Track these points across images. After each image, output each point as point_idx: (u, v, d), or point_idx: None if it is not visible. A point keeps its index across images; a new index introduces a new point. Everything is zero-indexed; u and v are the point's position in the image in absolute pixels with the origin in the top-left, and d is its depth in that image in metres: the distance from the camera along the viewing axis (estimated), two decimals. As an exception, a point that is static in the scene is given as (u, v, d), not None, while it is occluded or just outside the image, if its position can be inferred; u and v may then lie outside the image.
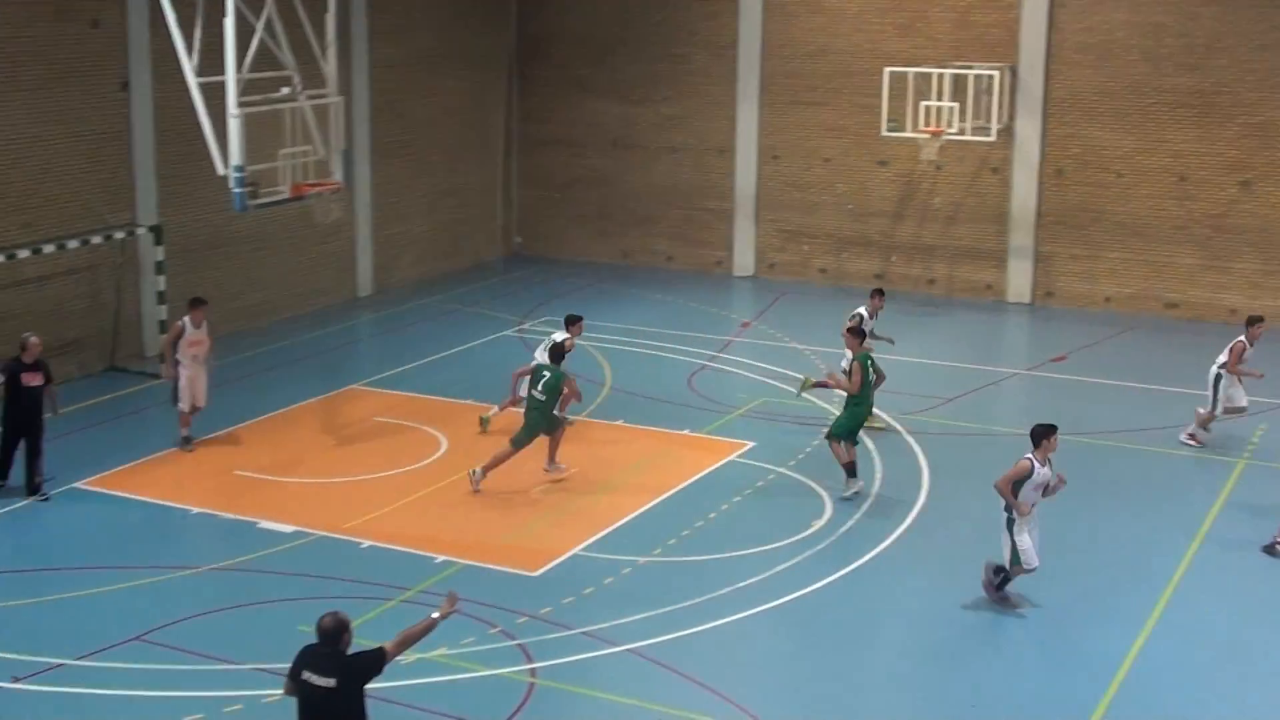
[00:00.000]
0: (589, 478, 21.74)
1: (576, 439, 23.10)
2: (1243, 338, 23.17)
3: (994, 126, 31.71)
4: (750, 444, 23.26)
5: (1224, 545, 19.63)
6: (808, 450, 22.96)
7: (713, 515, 20.39)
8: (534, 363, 22.39)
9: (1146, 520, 20.52)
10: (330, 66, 23.95)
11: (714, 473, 22.10)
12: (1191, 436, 23.61)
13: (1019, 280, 33.73)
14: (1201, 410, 23.57)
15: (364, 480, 21.59)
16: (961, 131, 31.59)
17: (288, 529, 19.55)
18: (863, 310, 24.46)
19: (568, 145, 37.86)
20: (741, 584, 17.97)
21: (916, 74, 31.85)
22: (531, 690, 15.32)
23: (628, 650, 16.22)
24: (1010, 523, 17.06)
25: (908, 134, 32.00)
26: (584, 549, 19.09)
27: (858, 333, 21.88)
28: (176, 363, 22.28)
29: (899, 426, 24.12)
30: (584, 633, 16.60)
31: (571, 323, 23.42)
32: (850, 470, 21.09)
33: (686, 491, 21.34)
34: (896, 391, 24.88)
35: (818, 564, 18.69)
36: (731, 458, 22.71)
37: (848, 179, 35.03)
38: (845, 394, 21.33)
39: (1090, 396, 26.34)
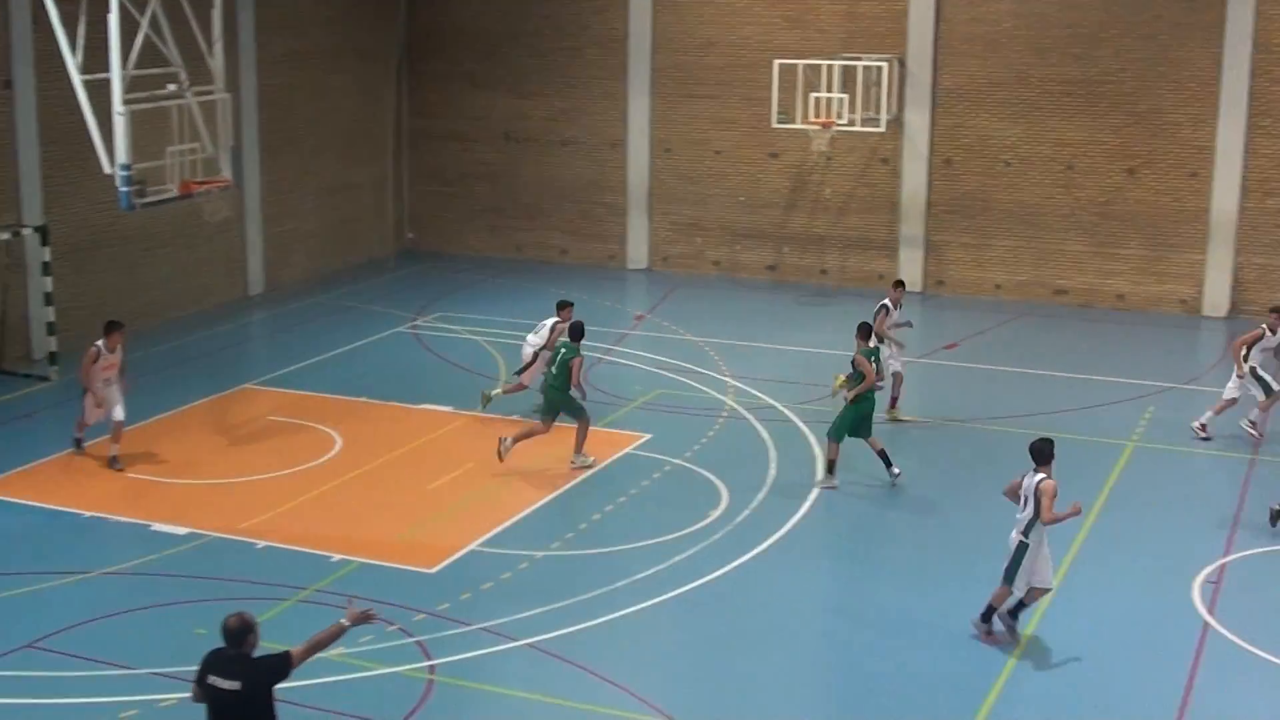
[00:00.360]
0: (485, 472, 21.68)
1: (474, 434, 23.13)
2: (1264, 325, 23.19)
3: (883, 117, 32.04)
4: (646, 436, 23.32)
5: (1114, 527, 19.94)
6: (704, 441, 23.07)
7: (610, 508, 20.43)
8: (532, 345, 23.70)
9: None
10: (217, 62, 23.69)
11: (611, 465, 22.13)
12: (1252, 424, 23.34)
13: (910, 269, 34.01)
14: (1260, 399, 23.24)
15: (259, 480, 21.41)
16: (851, 123, 31.83)
17: (182, 531, 19.34)
18: (886, 302, 24.37)
19: (459, 140, 37.72)
20: (640, 575, 18.02)
21: (806, 66, 32.05)
22: (430, 687, 15.28)
23: (527, 645, 16.22)
24: (1024, 548, 16.06)
25: (798, 126, 32.23)
26: (481, 544, 19.05)
27: (865, 330, 21.72)
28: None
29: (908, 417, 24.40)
30: (483, 628, 16.58)
31: (562, 307, 23.83)
32: (830, 467, 21.20)
33: (583, 484, 21.37)
34: (792, 381, 25.03)
35: (715, 554, 18.77)
36: (628, 450, 22.75)
37: (739, 171, 35.18)
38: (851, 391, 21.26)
39: (982, 383, 26.66)
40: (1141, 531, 19.76)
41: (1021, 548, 16.11)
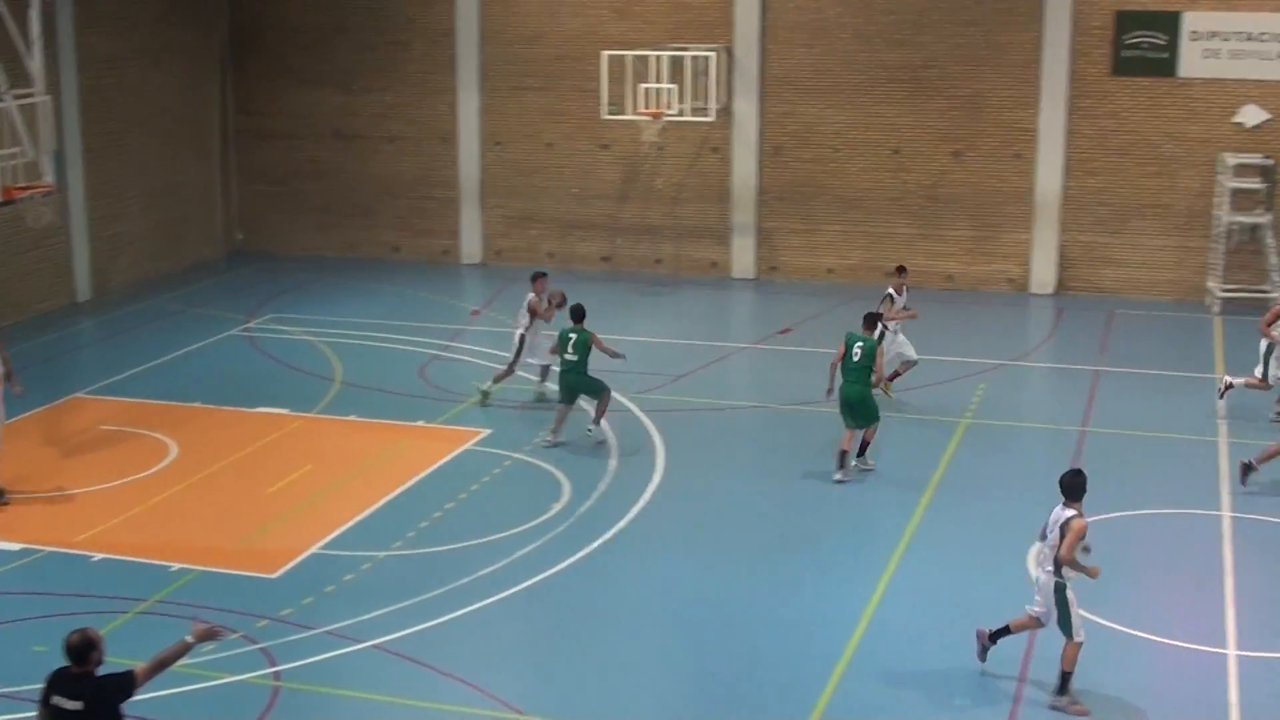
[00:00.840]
0: (324, 474, 21.52)
1: (311, 436, 22.95)
2: None
3: (713, 107, 32.23)
4: (485, 431, 23.27)
5: (950, 501, 20.31)
6: (543, 434, 23.06)
7: (451, 505, 20.36)
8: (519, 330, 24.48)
9: (874, 482, 21.11)
10: (36, 63, 23.27)
11: (450, 462, 22.06)
12: (1229, 387, 23.42)
13: (743, 256, 34.32)
14: (1253, 378, 23.30)
15: (93, 491, 21.02)
16: (681, 113, 32.04)
17: (15, 547, 18.93)
18: (890, 291, 24.40)
19: (286, 137, 37.28)
20: (483, 571, 18.00)
21: (634, 57, 32.16)
22: (276, 694, 15.14)
23: (372, 646, 16.13)
24: (1062, 589, 14.78)
25: (628, 116, 32.32)
26: (322, 547, 18.90)
27: (870, 319, 22.01)
28: None
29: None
30: (327, 632, 16.46)
31: (535, 279, 24.76)
32: (861, 449, 21.44)
33: (423, 483, 21.27)
34: (628, 371, 25.11)
35: (558, 546, 18.81)
36: (467, 446, 22.70)
37: (571, 163, 35.21)
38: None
39: (815, 367, 26.87)
40: (977, 505, 20.13)
41: (1060, 590, 14.82)
